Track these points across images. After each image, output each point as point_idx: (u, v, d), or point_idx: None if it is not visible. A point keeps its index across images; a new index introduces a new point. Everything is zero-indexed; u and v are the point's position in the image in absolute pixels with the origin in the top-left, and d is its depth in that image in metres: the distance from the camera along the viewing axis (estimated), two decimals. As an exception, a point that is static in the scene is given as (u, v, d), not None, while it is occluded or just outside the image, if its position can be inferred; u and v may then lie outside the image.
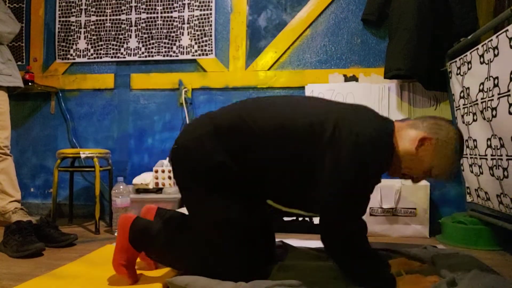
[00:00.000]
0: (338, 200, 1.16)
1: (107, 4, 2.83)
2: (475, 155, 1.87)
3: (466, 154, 2.00)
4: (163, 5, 2.75)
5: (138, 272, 1.39)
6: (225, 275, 1.21)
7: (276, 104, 1.32)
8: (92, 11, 2.85)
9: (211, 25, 2.69)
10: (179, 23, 2.73)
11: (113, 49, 2.81)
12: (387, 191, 2.18)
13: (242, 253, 1.24)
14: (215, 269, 1.23)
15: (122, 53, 2.80)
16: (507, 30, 1.48)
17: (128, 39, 2.79)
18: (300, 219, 2.28)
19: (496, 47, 1.58)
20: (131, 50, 2.79)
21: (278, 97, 1.39)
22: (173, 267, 1.41)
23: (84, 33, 2.86)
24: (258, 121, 1.24)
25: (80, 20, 2.86)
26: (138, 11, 2.79)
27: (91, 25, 2.85)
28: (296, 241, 1.78)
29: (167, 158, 2.59)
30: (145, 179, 2.43)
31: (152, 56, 2.76)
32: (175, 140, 1.35)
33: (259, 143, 1.23)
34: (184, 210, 2.01)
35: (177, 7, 2.74)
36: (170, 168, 2.42)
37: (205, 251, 1.27)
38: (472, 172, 1.96)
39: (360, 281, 1.20)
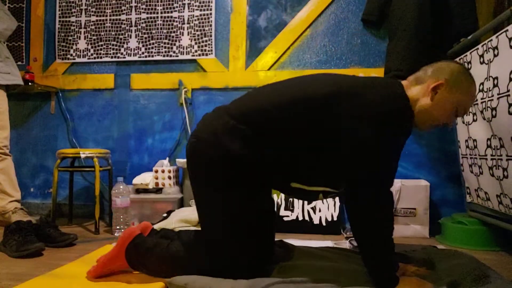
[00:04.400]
0: (367, 171, 1.16)
1: (107, 4, 2.83)
2: (475, 155, 1.87)
3: (466, 154, 2.00)
4: (163, 5, 2.75)
5: (133, 272, 1.40)
6: (224, 273, 1.21)
7: (289, 82, 1.32)
8: (92, 11, 2.85)
9: (211, 25, 2.69)
10: (179, 23, 2.73)
11: (113, 49, 2.81)
12: (387, 191, 2.18)
13: (245, 250, 1.23)
14: (214, 268, 1.23)
15: (122, 53, 2.80)
16: (507, 30, 1.49)
17: (128, 39, 2.79)
18: (300, 219, 2.28)
19: (496, 47, 1.58)
20: (131, 50, 2.79)
21: (289, 79, 1.37)
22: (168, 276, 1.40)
23: (84, 33, 2.86)
24: (274, 100, 1.24)
25: (80, 20, 2.87)
26: (138, 11, 2.79)
27: (91, 25, 2.85)
28: (296, 241, 1.78)
29: (167, 158, 2.59)
30: (145, 179, 2.43)
31: (152, 56, 2.76)
32: (191, 133, 1.34)
33: (278, 121, 1.22)
34: (178, 213, 2.02)
35: (177, 7, 2.74)
36: (170, 168, 2.43)
37: (203, 253, 1.27)
38: (472, 172, 1.96)
39: (370, 267, 1.19)
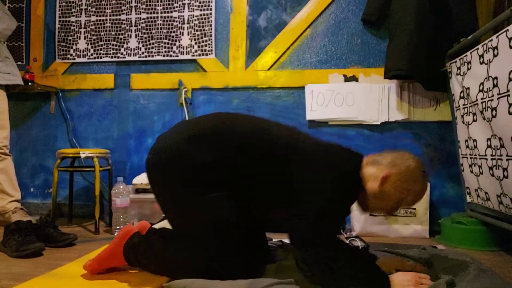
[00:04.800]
0: (305, 230, 1.18)
1: (107, 4, 2.83)
2: (475, 155, 1.87)
3: (466, 154, 2.00)
4: (163, 5, 2.75)
5: (133, 272, 1.40)
6: (217, 275, 1.21)
7: (254, 117, 1.37)
8: (92, 11, 2.85)
9: (211, 25, 2.69)
10: (179, 23, 2.73)
11: (113, 49, 2.81)
12: (387, 191, 2.18)
13: (231, 251, 1.23)
14: (210, 270, 1.23)
15: (122, 53, 2.80)
16: (507, 30, 1.48)
17: (128, 39, 2.79)
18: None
19: (496, 47, 1.58)
20: (131, 50, 2.79)
21: (261, 118, 1.42)
22: (170, 277, 1.40)
23: (84, 33, 2.86)
24: (238, 126, 1.29)
25: (80, 20, 2.87)
26: (138, 11, 2.79)
27: (91, 25, 2.85)
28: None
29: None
30: (145, 179, 2.42)
31: (152, 56, 2.76)
32: (150, 149, 1.35)
33: (239, 148, 1.26)
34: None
35: (177, 7, 2.74)
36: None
37: (196, 253, 1.27)
38: (472, 172, 1.96)
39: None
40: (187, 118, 2.65)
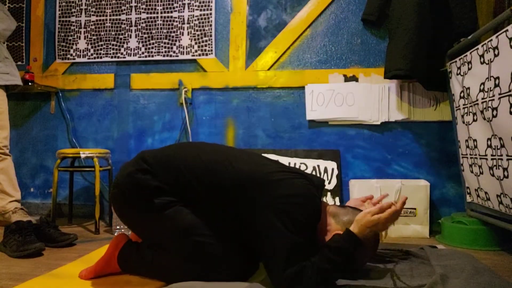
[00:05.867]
0: (273, 262, 1.18)
1: (107, 4, 2.83)
2: (475, 155, 1.87)
3: (466, 154, 2.01)
4: (163, 5, 2.75)
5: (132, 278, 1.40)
6: (208, 274, 1.23)
7: (213, 158, 1.36)
8: (92, 11, 2.85)
9: (211, 25, 2.69)
10: (179, 23, 2.73)
11: (113, 49, 2.81)
12: (387, 191, 2.18)
13: (214, 250, 1.25)
14: (199, 271, 1.25)
15: (122, 53, 2.80)
16: (507, 30, 1.49)
17: (128, 39, 2.79)
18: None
19: (496, 47, 1.58)
20: (131, 50, 2.79)
21: (215, 149, 1.43)
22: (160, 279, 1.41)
23: (84, 33, 2.86)
24: (188, 160, 1.33)
25: (80, 20, 2.86)
26: (138, 11, 2.79)
27: (91, 25, 2.85)
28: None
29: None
30: (145, 179, 2.42)
31: (152, 56, 2.76)
32: (113, 185, 1.42)
33: (189, 183, 1.30)
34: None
35: (177, 7, 2.74)
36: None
37: (179, 262, 1.29)
38: (472, 172, 1.96)
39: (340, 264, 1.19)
40: (187, 118, 2.65)
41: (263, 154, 1.74)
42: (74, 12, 2.87)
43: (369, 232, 1.20)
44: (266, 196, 1.23)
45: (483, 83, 1.71)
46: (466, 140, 1.97)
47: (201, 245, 1.24)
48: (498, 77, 1.58)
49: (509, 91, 1.48)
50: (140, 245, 1.41)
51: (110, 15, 2.82)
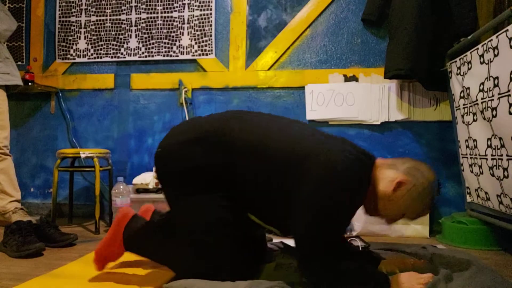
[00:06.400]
0: (311, 233, 1.16)
1: (107, 4, 2.83)
2: (475, 155, 1.87)
3: (466, 154, 2.01)
4: (163, 5, 2.75)
5: (134, 274, 1.39)
6: (214, 275, 1.21)
7: (260, 121, 1.33)
8: (92, 11, 2.85)
9: (211, 25, 2.69)
10: (179, 23, 2.73)
11: (113, 49, 2.81)
12: (387, 191, 2.18)
13: (225, 252, 1.24)
14: (205, 270, 1.23)
15: (122, 53, 2.80)
16: (507, 30, 1.49)
17: (128, 39, 2.79)
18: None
19: (496, 47, 1.58)
20: (131, 50, 2.79)
21: (263, 114, 1.39)
22: (164, 265, 1.40)
23: (84, 33, 2.86)
24: (240, 136, 1.27)
25: (80, 20, 2.86)
26: (138, 11, 2.79)
27: (91, 25, 2.85)
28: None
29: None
30: (145, 179, 2.43)
31: (152, 56, 2.76)
32: (159, 144, 1.37)
33: (238, 159, 1.25)
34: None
35: (177, 7, 2.74)
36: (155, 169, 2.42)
37: (193, 251, 1.27)
38: (472, 172, 1.96)
39: None
40: (187, 118, 2.65)
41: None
42: (74, 12, 2.87)
43: None
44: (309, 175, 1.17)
45: (482, 83, 1.71)
46: (466, 140, 1.97)
47: (214, 246, 1.23)
48: (497, 77, 1.58)
49: (508, 91, 1.48)
50: (148, 223, 1.40)
51: (110, 15, 2.82)
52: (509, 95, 1.48)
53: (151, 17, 2.77)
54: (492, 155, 1.69)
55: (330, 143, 1.26)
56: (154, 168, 2.39)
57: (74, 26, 2.87)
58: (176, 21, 2.74)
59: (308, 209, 1.15)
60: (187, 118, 2.65)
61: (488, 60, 1.66)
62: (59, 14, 2.89)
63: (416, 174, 1.22)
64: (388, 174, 1.24)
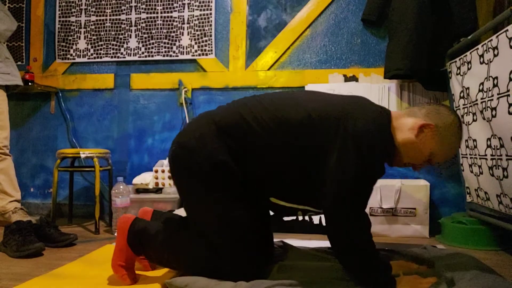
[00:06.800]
0: (343, 195, 1.16)
1: (107, 4, 2.83)
2: (475, 155, 1.87)
3: (466, 154, 2.01)
4: (163, 5, 2.75)
5: (136, 272, 1.38)
6: (224, 274, 1.21)
7: (276, 100, 1.31)
8: (92, 11, 2.85)
9: (211, 25, 2.69)
10: (179, 23, 2.73)
11: (113, 49, 2.81)
12: (387, 191, 2.18)
13: (241, 252, 1.23)
14: (214, 269, 1.23)
15: (122, 53, 2.80)
16: (507, 30, 1.49)
17: (128, 39, 2.79)
18: (300, 218, 2.28)
19: (496, 47, 1.58)
20: (131, 50, 2.79)
21: (278, 93, 1.38)
22: (171, 268, 1.40)
23: (84, 33, 2.86)
24: (259, 118, 1.25)
25: (80, 20, 2.86)
26: (138, 11, 2.79)
27: (91, 25, 2.85)
28: (296, 241, 1.78)
29: (167, 158, 2.59)
30: (145, 179, 2.43)
31: (152, 56, 2.76)
32: (173, 140, 1.35)
33: (261, 141, 1.23)
34: (181, 212, 2.02)
35: (177, 7, 2.74)
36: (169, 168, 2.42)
37: (203, 251, 1.26)
38: (472, 172, 1.96)
39: (361, 279, 1.20)
40: (187, 118, 2.65)
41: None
42: (74, 12, 2.87)
43: None
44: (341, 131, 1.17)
45: (482, 83, 1.71)
46: (466, 140, 1.97)
47: (235, 241, 1.22)
48: (496, 77, 1.58)
49: (508, 91, 1.48)
50: (150, 223, 1.39)
51: (110, 15, 2.82)
52: (509, 95, 1.48)
53: (151, 17, 2.77)
54: (491, 155, 1.69)
55: (353, 106, 1.25)
56: (155, 168, 2.41)
57: (74, 26, 2.87)
58: (176, 21, 2.74)
59: (340, 174, 1.15)
60: (187, 118, 2.66)
61: (488, 60, 1.66)
62: (59, 14, 2.89)
63: (437, 115, 1.24)
64: (408, 122, 1.25)
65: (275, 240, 1.73)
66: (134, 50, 2.78)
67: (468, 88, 1.88)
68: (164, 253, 1.32)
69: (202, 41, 2.70)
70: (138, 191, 2.42)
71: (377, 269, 1.18)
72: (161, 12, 2.76)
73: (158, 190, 2.42)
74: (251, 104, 1.31)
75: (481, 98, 1.72)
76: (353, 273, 1.23)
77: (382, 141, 1.20)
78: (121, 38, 2.80)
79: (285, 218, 2.22)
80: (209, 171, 1.24)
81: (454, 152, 1.30)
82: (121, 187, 2.23)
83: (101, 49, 2.83)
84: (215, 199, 1.25)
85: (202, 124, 1.31)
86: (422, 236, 2.18)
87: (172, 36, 2.74)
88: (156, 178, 2.41)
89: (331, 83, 2.52)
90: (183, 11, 2.73)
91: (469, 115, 1.90)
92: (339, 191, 1.16)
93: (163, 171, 2.41)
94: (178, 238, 1.32)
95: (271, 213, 1.44)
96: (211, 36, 2.69)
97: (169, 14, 2.75)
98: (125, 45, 2.79)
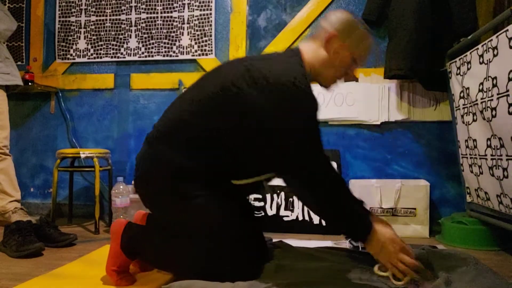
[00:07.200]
0: (288, 149, 1.17)
1: (107, 4, 2.83)
2: (475, 155, 1.87)
3: (466, 154, 2.01)
4: (163, 5, 2.75)
5: (132, 274, 1.38)
6: (217, 276, 1.21)
7: (193, 87, 1.35)
8: (92, 11, 2.85)
9: (211, 25, 2.69)
10: (179, 23, 2.73)
11: (113, 49, 2.81)
12: (386, 191, 2.18)
13: (241, 252, 1.23)
14: (207, 270, 1.23)
15: (122, 53, 2.80)
16: (507, 30, 1.49)
17: (128, 39, 2.79)
18: (300, 219, 2.28)
19: (496, 47, 1.58)
20: (131, 50, 2.79)
21: (192, 85, 1.40)
22: (167, 271, 1.39)
23: (84, 33, 2.86)
24: (189, 111, 1.27)
25: (80, 20, 2.86)
26: (138, 11, 2.79)
27: (91, 25, 2.85)
28: (295, 241, 1.78)
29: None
30: (145, 179, 2.42)
31: (152, 56, 2.76)
32: (135, 170, 1.39)
33: (198, 130, 1.25)
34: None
35: (177, 7, 2.74)
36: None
37: (203, 251, 1.26)
38: (472, 172, 1.96)
39: (336, 225, 1.23)
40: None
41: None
42: (74, 12, 2.87)
43: (379, 248, 1.21)
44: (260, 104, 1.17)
45: (482, 83, 1.71)
46: (466, 140, 1.97)
47: (217, 249, 1.22)
48: (496, 77, 1.58)
49: (507, 91, 1.48)
50: (144, 228, 1.38)
51: (110, 15, 2.82)
52: (508, 95, 1.48)
53: (151, 17, 2.77)
54: (491, 155, 1.69)
55: (260, 60, 1.27)
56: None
57: (74, 26, 2.87)
58: (176, 21, 2.74)
59: (273, 129, 1.17)
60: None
61: (487, 60, 1.66)
62: (59, 14, 2.89)
63: (332, 22, 1.27)
64: (313, 46, 1.29)
65: (274, 240, 1.73)
66: (134, 50, 2.78)
67: (468, 88, 1.88)
68: (160, 256, 1.32)
69: (202, 41, 2.70)
70: (138, 191, 2.42)
71: (350, 214, 1.20)
72: (161, 12, 2.76)
73: (158, 190, 2.42)
74: (177, 104, 1.35)
75: (481, 98, 1.72)
76: (327, 221, 1.28)
77: (293, 72, 1.18)
78: (121, 38, 2.80)
79: (285, 219, 2.21)
80: (172, 179, 1.26)
81: (370, 46, 1.32)
82: (121, 187, 2.23)
83: (101, 49, 2.83)
84: (189, 208, 1.25)
85: (146, 141, 1.39)
86: (422, 236, 2.18)
87: (172, 36, 2.74)
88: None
89: (331, 83, 2.51)
90: (183, 11, 2.73)
91: (469, 115, 1.90)
92: (288, 144, 1.17)
93: (163, 171, 2.40)
94: (174, 241, 1.31)
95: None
96: (211, 36, 2.69)
97: (169, 14, 2.75)
98: (125, 45, 2.79)
